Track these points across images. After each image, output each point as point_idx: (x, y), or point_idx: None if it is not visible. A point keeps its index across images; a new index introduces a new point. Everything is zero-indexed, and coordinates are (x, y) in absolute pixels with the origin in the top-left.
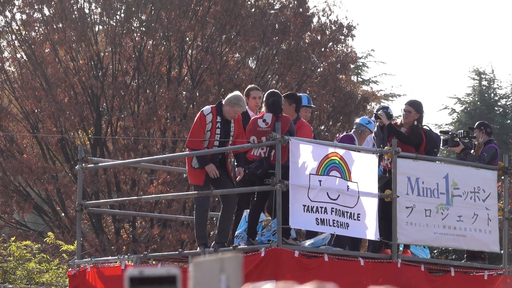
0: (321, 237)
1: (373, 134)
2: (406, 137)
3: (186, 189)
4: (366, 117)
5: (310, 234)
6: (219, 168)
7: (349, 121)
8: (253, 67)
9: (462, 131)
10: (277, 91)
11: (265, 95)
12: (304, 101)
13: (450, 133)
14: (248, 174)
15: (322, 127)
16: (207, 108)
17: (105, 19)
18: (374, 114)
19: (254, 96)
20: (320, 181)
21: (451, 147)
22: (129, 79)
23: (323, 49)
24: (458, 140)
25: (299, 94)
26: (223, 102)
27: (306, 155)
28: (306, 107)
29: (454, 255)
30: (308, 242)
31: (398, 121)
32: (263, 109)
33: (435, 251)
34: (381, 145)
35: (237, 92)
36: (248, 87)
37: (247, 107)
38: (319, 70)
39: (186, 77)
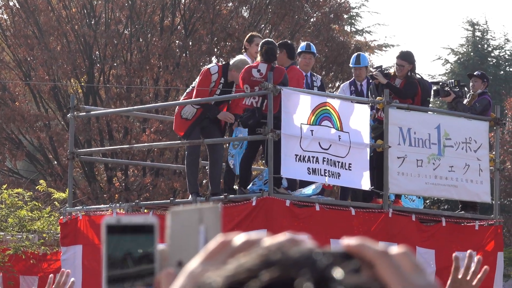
0: (312, 186)
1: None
2: (404, 93)
3: (178, 138)
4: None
5: (302, 184)
6: (210, 123)
7: (342, 71)
8: (247, 16)
9: (452, 80)
10: (271, 40)
11: (259, 44)
12: (302, 47)
13: (440, 83)
14: (240, 124)
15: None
16: (214, 67)
17: None
18: (369, 75)
19: (257, 43)
20: (312, 130)
21: (442, 97)
22: (122, 27)
23: None
24: (449, 89)
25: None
26: (230, 66)
27: (298, 105)
28: (305, 53)
29: (447, 205)
30: (299, 192)
31: (392, 71)
32: (259, 58)
33: (427, 201)
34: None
35: (242, 56)
36: (250, 33)
37: (246, 55)
38: (312, 20)
39: (179, 26)
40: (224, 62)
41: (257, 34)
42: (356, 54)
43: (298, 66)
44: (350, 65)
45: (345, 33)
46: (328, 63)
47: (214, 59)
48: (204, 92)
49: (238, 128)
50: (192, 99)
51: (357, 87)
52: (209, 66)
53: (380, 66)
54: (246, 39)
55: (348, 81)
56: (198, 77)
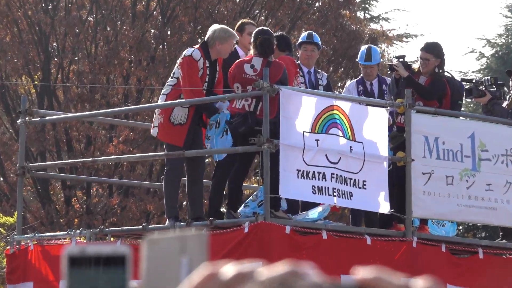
0: (318, 209)
1: (385, 87)
2: (429, 92)
3: (153, 149)
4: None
5: (306, 206)
6: (197, 127)
7: (354, 66)
8: (237, 0)
9: (488, 77)
10: (267, 28)
11: (252, 34)
12: (303, 37)
13: (473, 81)
14: (231, 129)
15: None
16: (196, 52)
17: None
18: (388, 66)
19: (250, 32)
20: (317, 140)
21: (476, 98)
22: (86, 13)
23: None
24: (483, 89)
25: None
26: (210, 42)
27: (300, 108)
28: (306, 44)
29: (484, 232)
30: (302, 216)
31: (415, 66)
32: (252, 51)
33: (460, 228)
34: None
35: (216, 25)
36: (241, 21)
37: (237, 46)
38: (317, 4)
39: (155, 12)
40: (200, 42)
41: (250, 21)
42: (365, 47)
43: (298, 60)
44: (358, 61)
45: (357, 20)
46: (337, 56)
47: None
48: (197, 84)
49: (222, 113)
50: (188, 99)
51: (366, 86)
52: (188, 52)
53: (403, 56)
54: (236, 27)
55: (355, 80)
56: (179, 69)
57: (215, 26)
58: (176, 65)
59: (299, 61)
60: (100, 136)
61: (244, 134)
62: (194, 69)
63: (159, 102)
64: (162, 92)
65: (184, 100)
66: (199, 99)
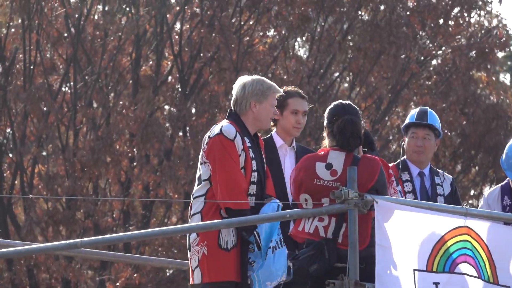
0: None
1: None
2: None
3: None
4: None
5: None
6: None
7: (495, 163)
8: (301, 53)
9: None
10: (349, 103)
11: (326, 112)
12: (411, 116)
13: None
14: (294, 271)
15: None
16: (228, 128)
17: None
18: None
19: (296, 110)
20: (436, 284)
21: None
22: (58, 80)
23: (440, 20)
24: None
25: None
26: (241, 104)
27: (407, 231)
28: (415, 128)
29: None
30: None
31: None
32: (326, 142)
33: None
34: None
35: (244, 77)
36: (283, 89)
37: (274, 132)
38: (434, 62)
39: (170, 77)
40: (229, 111)
41: (297, 89)
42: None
43: (404, 155)
44: (504, 159)
45: (499, 86)
46: (468, 147)
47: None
48: (239, 180)
49: (272, 203)
50: (230, 220)
51: None
52: (216, 130)
53: None
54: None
55: (498, 186)
56: (206, 164)
57: (243, 79)
58: (201, 159)
59: (404, 156)
60: (84, 279)
61: (317, 277)
62: (231, 153)
63: (190, 223)
64: (192, 212)
65: (225, 220)
66: (244, 217)
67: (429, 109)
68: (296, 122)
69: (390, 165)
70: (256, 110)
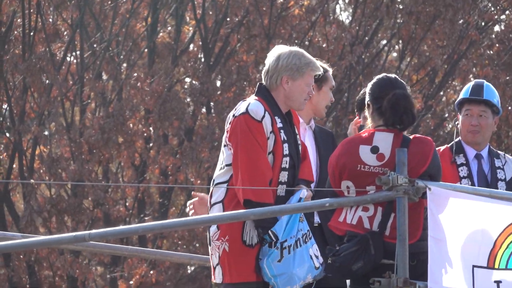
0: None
1: None
2: None
3: None
4: None
5: None
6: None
7: None
8: (343, 18)
9: None
10: (395, 77)
11: (368, 88)
12: (465, 91)
13: None
14: (334, 269)
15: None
16: (255, 105)
17: None
18: None
19: (333, 86)
20: (498, 283)
21: None
22: (62, 47)
23: None
24: None
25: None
26: (272, 78)
27: (464, 223)
28: (470, 104)
29: None
30: None
31: None
32: (370, 122)
33: None
34: None
35: (280, 47)
36: (323, 67)
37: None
38: (496, 28)
39: (192, 45)
40: (258, 85)
41: (322, 63)
42: None
43: (458, 136)
44: None
45: None
46: None
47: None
48: (265, 167)
49: (301, 190)
50: (254, 210)
51: None
52: (242, 109)
53: None
54: (317, 74)
55: None
56: (228, 146)
57: (280, 49)
58: (224, 140)
59: (458, 137)
60: (93, 276)
61: (361, 274)
62: (259, 140)
63: (210, 214)
64: (212, 201)
65: (257, 209)
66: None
67: (485, 82)
68: (330, 101)
69: (443, 147)
70: (287, 87)
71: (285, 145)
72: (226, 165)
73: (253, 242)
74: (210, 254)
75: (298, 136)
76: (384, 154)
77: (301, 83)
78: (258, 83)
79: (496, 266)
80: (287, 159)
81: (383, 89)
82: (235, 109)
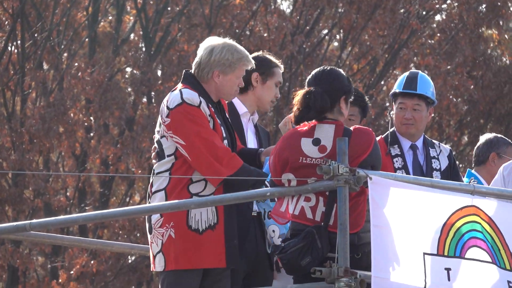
0: None
1: None
2: None
3: None
4: None
5: None
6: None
7: (508, 129)
8: (284, 7)
9: None
10: (336, 69)
11: (308, 78)
12: (399, 83)
13: None
14: (282, 265)
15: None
16: (188, 93)
17: None
18: None
19: (280, 82)
20: (448, 270)
21: None
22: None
23: None
24: None
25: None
26: (204, 70)
27: (408, 212)
28: (403, 97)
29: None
30: None
31: None
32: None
33: None
34: None
35: (213, 39)
36: (267, 56)
37: (237, 98)
38: (437, 18)
39: (132, 34)
40: (183, 74)
41: (272, 58)
42: None
43: (393, 127)
44: None
45: (511, 45)
46: (476, 116)
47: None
48: (217, 144)
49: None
50: (217, 195)
51: None
52: (175, 100)
53: None
54: (253, 64)
55: None
56: (168, 136)
57: (213, 40)
58: (160, 132)
59: (393, 128)
60: (34, 266)
61: (307, 268)
62: (201, 119)
63: (152, 203)
64: (153, 189)
65: (199, 199)
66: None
67: (420, 73)
68: (275, 96)
69: (378, 138)
70: (218, 81)
71: (222, 128)
72: (168, 156)
73: (199, 226)
74: (150, 243)
75: (230, 122)
76: (326, 145)
77: (232, 77)
78: (184, 71)
79: (446, 254)
80: (226, 141)
81: (315, 79)
82: (168, 101)
